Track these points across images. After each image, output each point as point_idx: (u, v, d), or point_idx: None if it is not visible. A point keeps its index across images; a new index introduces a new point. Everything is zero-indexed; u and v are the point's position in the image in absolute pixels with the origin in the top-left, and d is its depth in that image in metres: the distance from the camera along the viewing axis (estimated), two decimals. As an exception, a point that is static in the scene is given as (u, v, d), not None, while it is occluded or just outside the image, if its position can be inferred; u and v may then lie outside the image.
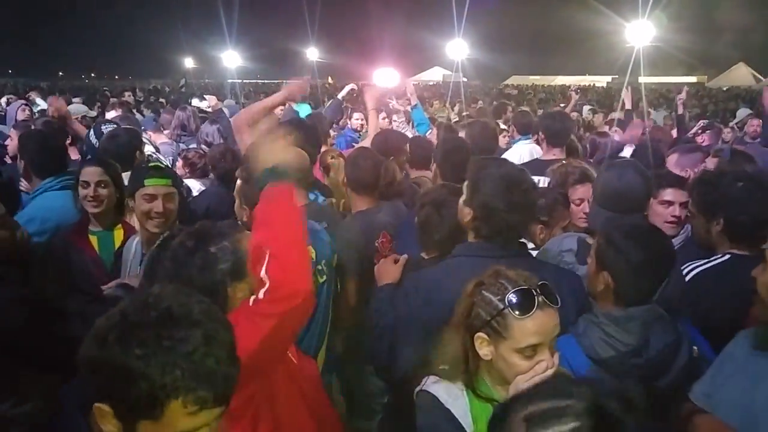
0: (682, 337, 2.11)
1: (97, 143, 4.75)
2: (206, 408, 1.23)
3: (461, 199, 2.43)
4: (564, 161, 3.97)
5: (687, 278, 2.62)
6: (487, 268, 1.90)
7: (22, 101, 8.32)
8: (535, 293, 1.74)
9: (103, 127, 4.95)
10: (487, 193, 2.29)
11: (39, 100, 11.07)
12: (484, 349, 1.79)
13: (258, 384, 1.81)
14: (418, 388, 1.91)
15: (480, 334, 1.78)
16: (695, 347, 2.14)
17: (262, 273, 1.74)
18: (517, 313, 1.71)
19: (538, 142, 5.01)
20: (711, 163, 4.00)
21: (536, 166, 4.34)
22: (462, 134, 4.88)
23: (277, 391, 1.91)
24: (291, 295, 1.73)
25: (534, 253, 2.77)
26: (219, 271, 1.85)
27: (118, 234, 3.42)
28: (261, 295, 1.73)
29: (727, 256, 2.65)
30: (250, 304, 1.75)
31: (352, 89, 7.31)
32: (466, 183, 2.43)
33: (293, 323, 1.82)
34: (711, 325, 2.33)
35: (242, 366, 1.36)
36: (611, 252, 2.12)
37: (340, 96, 7.17)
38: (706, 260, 2.67)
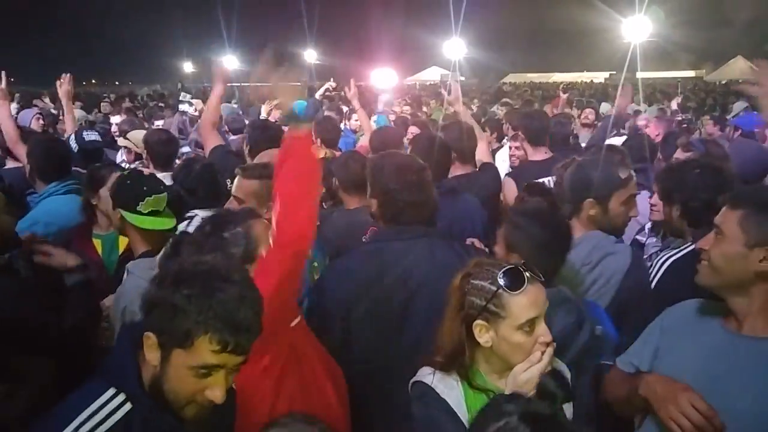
0: (584, 318, 2.24)
1: (77, 148, 4.93)
2: (227, 351, 1.47)
3: (367, 195, 2.72)
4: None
5: (663, 268, 2.70)
6: (398, 251, 2.20)
7: (36, 110, 8.39)
8: (522, 270, 1.82)
9: (84, 134, 5.09)
10: (383, 180, 2.57)
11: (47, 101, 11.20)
12: (485, 336, 1.84)
13: (283, 341, 2.03)
14: (413, 379, 1.97)
15: (478, 321, 1.83)
16: (599, 326, 2.29)
17: (273, 219, 1.96)
18: (511, 290, 1.79)
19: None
20: (680, 154, 4.07)
21: (530, 168, 4.42)
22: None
23: (301, 352, 2.13)
24: (296, 240, 1.94)
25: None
26: (231, 254, 2.05)
27: (123, 239, 3.36)
28: (271, 241, 1.97)
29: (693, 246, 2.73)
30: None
31: (328, 87, 7.37)
32: (368, 180, 2.71)
33: (300, 265, 2.03)
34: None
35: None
36: (518, 234, 2.31)
37: (317, 95, 7.22)
38: (677, 249, 2.75)
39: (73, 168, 4.22)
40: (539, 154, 4.47)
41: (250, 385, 1.92)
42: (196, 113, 9.75)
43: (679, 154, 4.07)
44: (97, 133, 5.21)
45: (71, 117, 5.88)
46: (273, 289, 1.87)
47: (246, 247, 2.08)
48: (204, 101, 15.98)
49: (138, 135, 5.54)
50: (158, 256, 2.54)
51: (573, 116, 8.58)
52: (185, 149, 6.17)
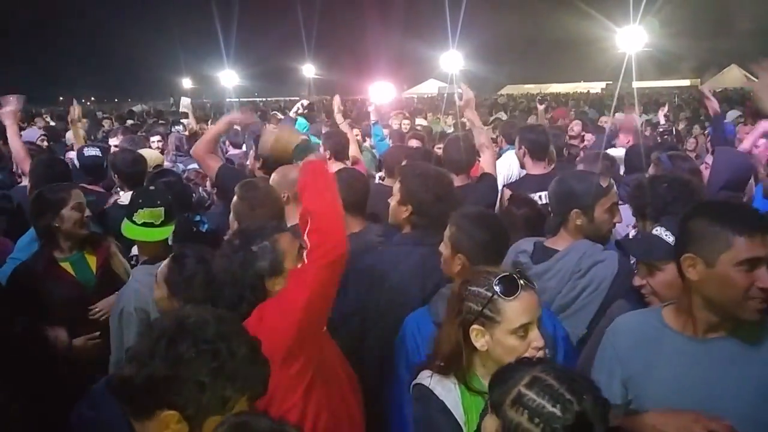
0: None
1: (79, 164, 5.07)
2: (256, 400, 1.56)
3: (395, 201, 2.96)
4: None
5: None
6: (432, 253, 2.40)
7: (41, 131, 8.54)
8: (516, 277, 1.90)
9: (85, 150, 5.21)
10: (420, 192, 2.89)
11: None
12: (481, 340, 1.90)
13: (314, 347, 2.11)
14: (414, 382, 2.05)
15: (475, 326, 1.90)
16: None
17: (305, 237, 2.07)
18: (505, 296, 1.87)
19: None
20: (652, 170, 4.09)
21: (529, 181, 4.47)
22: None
23: (325, 354, 2.21)
24: (329, 251, 2.03)
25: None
26: (259, 267, 2.17)
27: (91, 258, 3.43)
28: (305, 257, 2.05)
29: None
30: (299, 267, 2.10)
31: (299, 106, 7.43)
32: (398, 186, 2.96)
33: (334, 275, 2.10)
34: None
35: (296, 326, 1.75)
36: (462, 236, 2.48)
37: (291, 113, 7.27)
38: None
39: (80, 184, 4.26)
40: (538, 168, 4.51)
41: (280, 391, 1.98)
42: (185, 133, 9.24)
43: (651, 169, 4.14)
44: (97, 148, 5.30)
45: (80, 139, 6.04)
46: (307, 299, 1.98)
47: (273, 260, 2.18)
48: (201, 117, 16.08)
49: (148, 153, 5.69)
50: (159, 267, 2.62)
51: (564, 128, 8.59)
52: (192, 165, 6.25)
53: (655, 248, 2.28)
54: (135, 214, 3.15)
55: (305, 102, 7.54)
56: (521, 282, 1.89)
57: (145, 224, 3.16)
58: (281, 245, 2.21)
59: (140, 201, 3.19)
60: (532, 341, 1.87)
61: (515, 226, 3.28)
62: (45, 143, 7.51)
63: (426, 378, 2.00)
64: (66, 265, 3.35)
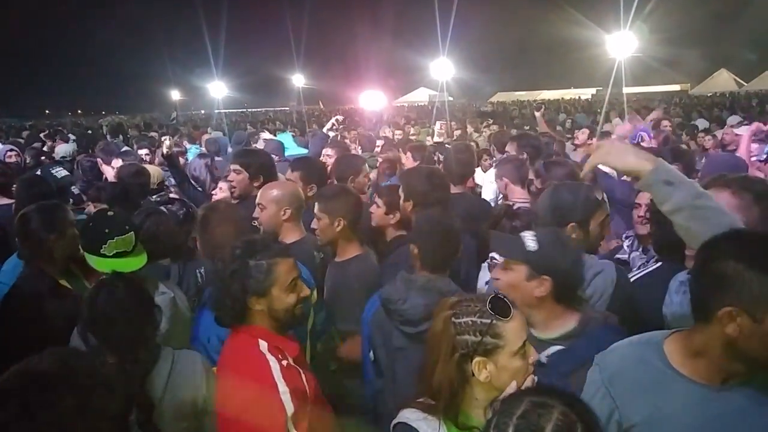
0: None
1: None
2: None
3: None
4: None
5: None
6: None
7: (10, 146, 8.45)
8: (501, 296, 1.85)
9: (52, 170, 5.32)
10: (419, 185, 3.49)
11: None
12: (484, 372, 1.80)
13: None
14: (395, 421, 1.91)
15: (477, 358, 1.80)
16: None
17: None
18: (504, 318, 1.80)
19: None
20: (535, 179, 4.30)
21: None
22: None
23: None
24: None
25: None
26: (246, 283, 2.16)
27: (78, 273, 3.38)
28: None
29: (658, 264, 2.93)
30: None
31: (335, 119, 7.25)
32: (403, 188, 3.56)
33: None
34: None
35: None
36: (420, 235, 2.76)
37: (325, 129, 7.09)
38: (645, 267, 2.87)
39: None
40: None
41: None
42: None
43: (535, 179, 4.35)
44: (64, 169, 5.30)
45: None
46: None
47: (262, 281, 2.17)
48: (193, 127, 15.94)
49: (150, 169, 5.55)
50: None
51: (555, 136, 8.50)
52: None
53: (515, 249, 2.25)
54: (104, 246, 2.82)
55: (340, 118, 7.35)
56: (507, 300, 1.85)
57: (117, 254, 2.84)
58: (277, 270, 2.19)
59: (106, 230, 2.84)
60: (530, 357, 1.85)
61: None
62: (13, 159, 7.42)
63: (408, 415, 1.88)
64: (64, 282, 3.27)
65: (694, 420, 1.69)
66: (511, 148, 5.64)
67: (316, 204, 3.31)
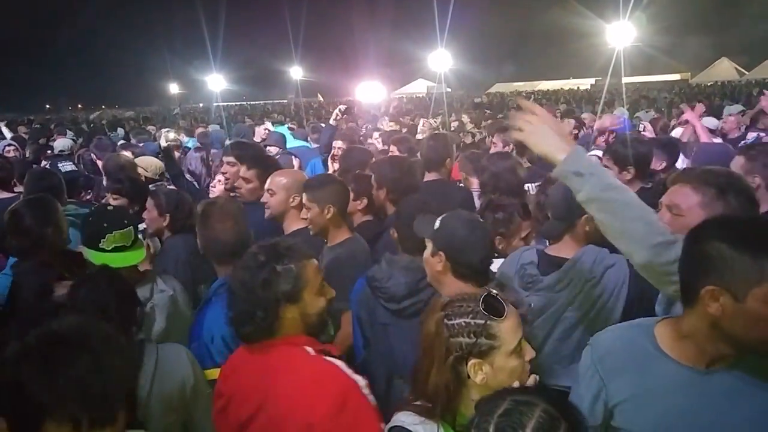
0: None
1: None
2: (82, 428, 1.32)
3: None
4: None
5: None
6: None
7: (7, 141, 8.45)
8: (494, 295, 1.82)
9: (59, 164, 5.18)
10: (388, 173, 3.69)
11: (4, 129, 11.28)
12: (480, 374, 1.77)
13: None
14: (390, 425, 1.88)
15: (472, 360, 1.77)
16: None
17: None
18: (498, 318, 1.77)
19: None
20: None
21: (533, 172, 4.61)
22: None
23: None
24: None
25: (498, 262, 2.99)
26: (278, 290, 2.01)
27: None
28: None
29: None
30: None
31: (338, 110, 7.20)
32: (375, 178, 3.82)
33: None
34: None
35: None
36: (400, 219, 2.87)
37: (331, 120, 7.03)
38: None
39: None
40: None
41: None
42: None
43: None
44: (71, 163, 5.19)
45: None
46: None
47: (294, 286, 2.03)
48: (193, 121, 15.91)
49: (148, 160, 5.57)
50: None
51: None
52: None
53: (425, 229, 2.47)
54: (102, 240, 2.83)
55: (343, 107, 7.31)
56: (501, 298, 1.83)
57: (116, 249, 2.85)
58: (306, 273, 2.07)
59: (104, 225, 2.87)
60: (526, 355, 1.82)
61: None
62: (12, 153, 7.45)
63: (404, 419, 1.85)
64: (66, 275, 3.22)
65: (678, 401, 1.71)
66: (497, 140, 5.70)
67: (305, 194, 3.40)
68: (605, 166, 3.54)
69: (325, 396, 1.90)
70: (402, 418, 1.85)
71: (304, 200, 3.40)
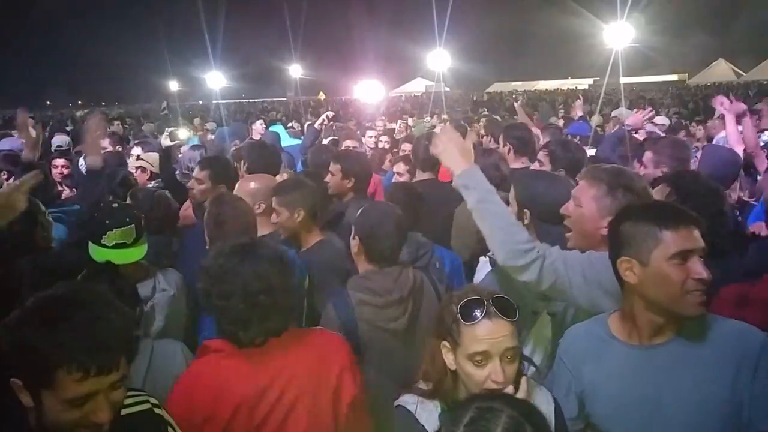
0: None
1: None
2: (91, 377, 1.41)
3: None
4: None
5: None
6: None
7: (20, 140, 8.42)
8: (486, 303, 1.81)
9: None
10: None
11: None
12: (449, 357, 1.86)
13: None
14: (396, 403, 1.98)
15: (444, 342, 1.88)
16: None
17: None
18: (463, 320, 1.81)
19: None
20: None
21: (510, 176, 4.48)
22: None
23: None
24: None
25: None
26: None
27: None
28: None
29: None
30: None
31: (325, 116, 7.30)
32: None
33: None
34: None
35: None
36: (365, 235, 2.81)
37: (316, 125, 7.13)
38: None
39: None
40: (518, 163, 4.62)
41: None
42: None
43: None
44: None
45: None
46: None
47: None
48: (190, 120, 15.92)
49: (155, 156, 5.53)
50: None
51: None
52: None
53: (352, 214, 2.86)
54: (104, 236, 2.88)
55: (330, 114, 7.40)
56: (490, 309, 1.79)
57: (117, 245, 2.90)
58: None
59: (107, 221, 2.92)
60: (491, 374, 1.76)
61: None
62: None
63: (407, 398, 1.95)
64: None
65: (628, 380, 1.88)
66: (491, 137, 5.77)
67: (274, 199, 3.41)
68: (538, 160, 4.12)
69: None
70: (405, 398, 1.96)
71: (273, 205, 3.41)
